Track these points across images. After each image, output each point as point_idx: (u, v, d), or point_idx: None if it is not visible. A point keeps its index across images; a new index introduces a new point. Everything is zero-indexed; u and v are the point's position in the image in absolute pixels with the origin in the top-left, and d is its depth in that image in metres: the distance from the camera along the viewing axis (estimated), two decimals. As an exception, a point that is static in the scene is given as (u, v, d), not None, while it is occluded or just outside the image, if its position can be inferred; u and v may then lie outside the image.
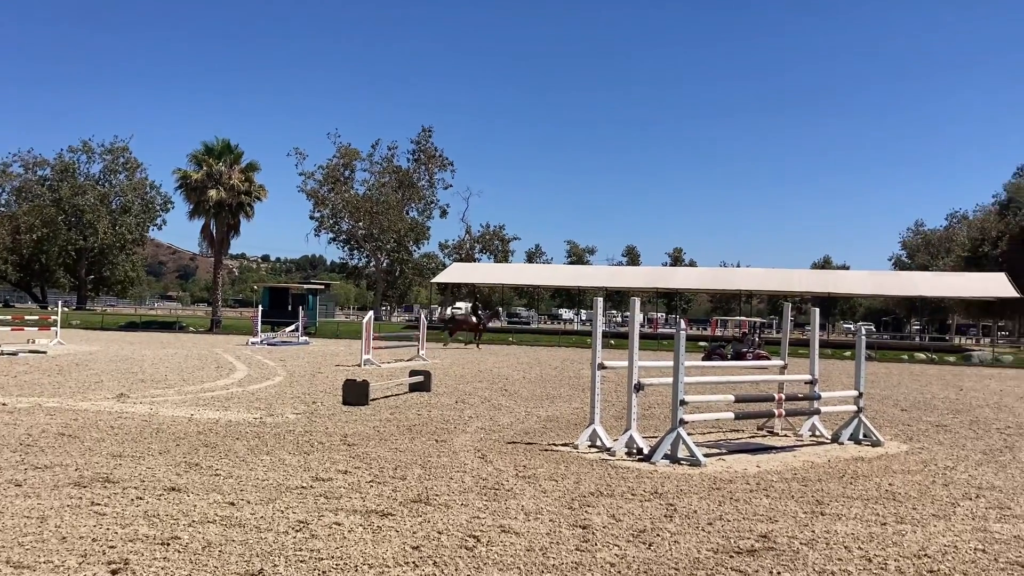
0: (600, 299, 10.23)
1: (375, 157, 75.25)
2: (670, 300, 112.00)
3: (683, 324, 9.24)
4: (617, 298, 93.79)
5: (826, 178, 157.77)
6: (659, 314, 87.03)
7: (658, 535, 5.96)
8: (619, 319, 73.23)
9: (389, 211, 72.87)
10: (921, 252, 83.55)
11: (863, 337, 11.82)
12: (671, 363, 9.49)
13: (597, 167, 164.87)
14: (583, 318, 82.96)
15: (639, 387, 9.58)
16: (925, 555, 5.71)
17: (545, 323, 77.88)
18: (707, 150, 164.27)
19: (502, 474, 8.07)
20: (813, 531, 6.25)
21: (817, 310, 11.94)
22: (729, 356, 29.28)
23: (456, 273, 63.20)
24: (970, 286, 49.08)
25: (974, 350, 43.87)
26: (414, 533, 5.82)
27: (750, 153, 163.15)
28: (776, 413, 10.73)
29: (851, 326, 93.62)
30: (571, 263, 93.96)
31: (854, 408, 11.27)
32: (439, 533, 5.83)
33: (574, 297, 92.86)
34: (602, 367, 10.02)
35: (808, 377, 11.67)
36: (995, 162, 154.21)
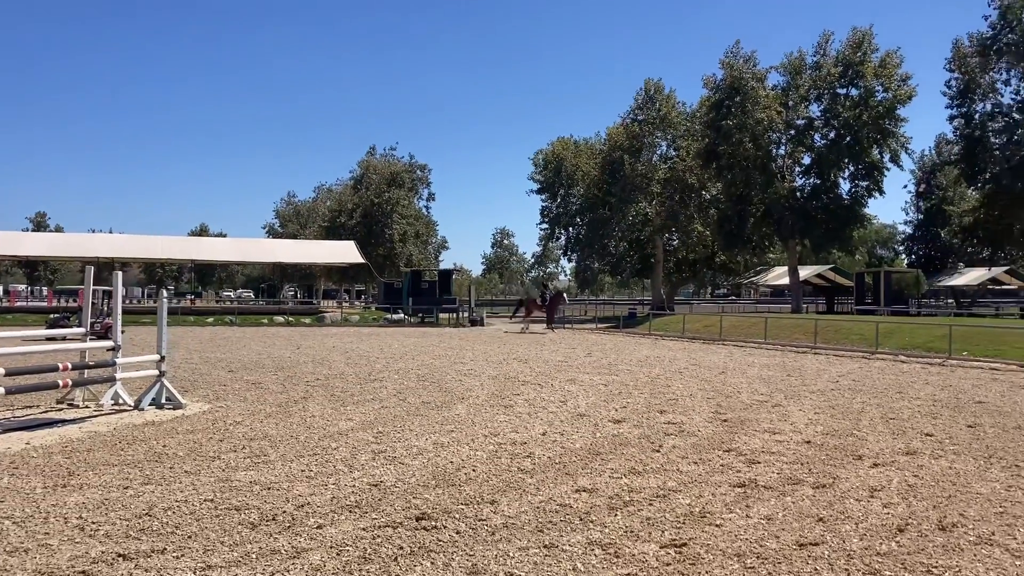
0: None
1: None
2: (33, 270, 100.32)
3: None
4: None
5: (204, 146, 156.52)
6: (22, 286, 77.57)
7: None
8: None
9: None
10: (292, 221, 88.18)
11: (165, 301, 11.73)
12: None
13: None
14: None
15: None
16: (135, 513, 5.73)
17: None
18: (74, 112, 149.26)
19: None
20: (38, 507, 5.85)
21: (120, 274, 11.45)
22: (75, 327, 27.15)
23: None
24: (327, 253, 53.46)
25: (328, 312, 47.96)
26: None
27: (124, 117, 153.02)
28: (61, 383, 10.02)
29: (231, 293, 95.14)
30: None
31: (156, 372, 11.16)
32: None
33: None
34: None
35: (110, 344, 11.21)
36: (342, 143, 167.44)
